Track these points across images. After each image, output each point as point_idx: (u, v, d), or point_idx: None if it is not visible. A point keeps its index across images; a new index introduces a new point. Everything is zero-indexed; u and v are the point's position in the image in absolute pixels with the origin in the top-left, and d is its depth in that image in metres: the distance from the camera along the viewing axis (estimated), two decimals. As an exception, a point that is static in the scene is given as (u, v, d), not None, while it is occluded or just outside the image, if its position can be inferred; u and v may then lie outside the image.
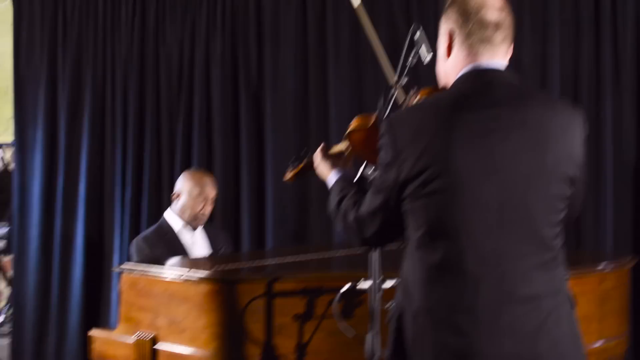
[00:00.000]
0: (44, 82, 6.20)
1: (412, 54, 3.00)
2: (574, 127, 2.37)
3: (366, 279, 3.10)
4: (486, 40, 2.36)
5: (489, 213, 2.23)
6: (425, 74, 5.13)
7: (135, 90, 6.09)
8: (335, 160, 2.90)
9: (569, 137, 2.34)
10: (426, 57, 3.00)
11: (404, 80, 2.99)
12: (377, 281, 3.03)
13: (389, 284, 3.13)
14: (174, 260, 4.55)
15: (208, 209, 4.96)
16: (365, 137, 2.82)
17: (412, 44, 3.01)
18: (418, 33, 3.00)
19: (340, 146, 2.96)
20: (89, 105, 6.12)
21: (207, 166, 5.82)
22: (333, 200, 2.64)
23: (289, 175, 3.37)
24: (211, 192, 4.97)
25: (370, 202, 2.42)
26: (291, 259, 4.36)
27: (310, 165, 3.25)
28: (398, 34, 5.74)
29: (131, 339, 3.82)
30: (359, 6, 3.20)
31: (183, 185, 4.97)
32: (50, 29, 6.24)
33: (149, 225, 5.76)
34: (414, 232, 2.32)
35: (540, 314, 2.25)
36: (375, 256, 3.02)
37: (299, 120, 5.96)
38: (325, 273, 3.80)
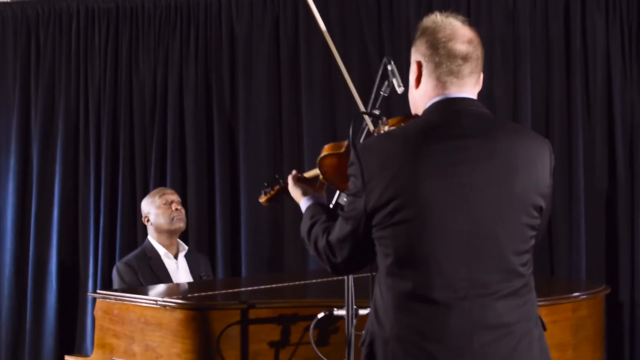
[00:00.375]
0: (17, 109, 6.21)
1: (384, 85, 3.05)
2: (541, 156, 2.39)
3: (342, 307, 3.12)
4: (454, 73, 2.39)
5: (457, 243, 2.25)
6: (397, 104, 5.24)
7: (109, 118, 6.10)
8: (307, 185, 2.93)
9: (538, 167, 2.36)
10: (398, 89, 3.05)
11: (376, 111, 3.03)
12: (352, 308, 3.06)
13: (364, 311, 3.16)
14: (154, 286, 4.56)
15: (180, 210, 5.06)
16: (337, 164, 2.82)
17: (385, 76, 3.06)
18: (389, 66, 3.05)
19: (312, 172, 2.98)
20: (62, 132, 6.13)
21: (181, 193, 5.84)
22: (304, 225, 2.67)
23: (263, 199, 3.40)
24: (171, 195, 5.10)
25: (339, 229, 2.44)
26: (266, 286, 4.38)
27: (283, 190, 3.29)
28: (370, 65, 5.81)
29: (106, 366, 3.84)
30: (325, 31, 3.24)
31: (145, 204, 5.12)
32: (22, 56, 6.26)
33: (122, 251, 5.79)
34: (382, 260, 2.34)
35: (512, 339, 2.27)
36: (350, 283, 3.05)
37: (272, 148, 5.99)
38: (300, 300, 3.80)
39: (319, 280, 4.69)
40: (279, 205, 3.44)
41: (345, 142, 2.81)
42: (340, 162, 2.80)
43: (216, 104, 6.02)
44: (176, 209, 5.02)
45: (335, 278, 4.40)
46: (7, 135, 6.25)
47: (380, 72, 3.05)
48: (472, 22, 2.53)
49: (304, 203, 2.82)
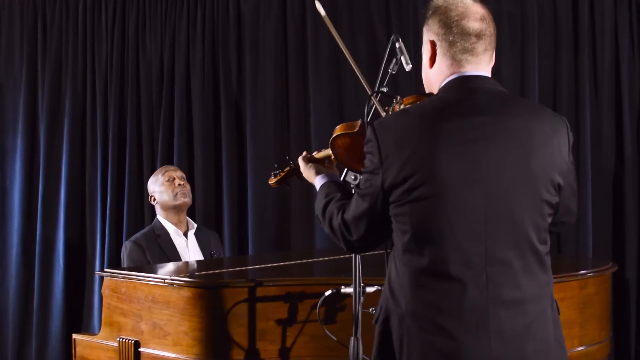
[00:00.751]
0: (24, 89, 6.22)
1: (392, 63, 3.05)
2: (558, 134, 2.40)
3: (349, 284, 3.13)
4: (468, 51, 2.40)
5: (474, 219, 2.27)
6: (405, 82, 5.23)
7: (116, 99, 6.11)
8: (319, 165, 2.93)
9: (554, 144, 2.37)
10: (406, 66, 3.04)
11: (385, 88, 3.03)
12: (360, 286, 3.06)
13: (371, 289, 3.17)
14: (161, 265, 4.57)
15: (184, 185, 5.05)
16: (350, 144, 2.83)
17: (393, 53, 3.05)
18: (397, 44, 3.04)
19: (323, 153, 2.99)
20: (69, 112, 6.14)
21: (188, 173, 5.85)
22: (319, 204, 2.67)
23: (272, 180, 3.40)
24: (174, 171, 5.11)
25: (355, 206, 2.44)
26: (273, 264, 4.39)
27: (293, 172, 3.29)
28: (378, 44, 5.80)
29: (114, 344, 3.84)
30: (325, 16, 3.23)
31: (150, 184, 5.14)
32: (30, 36, 6.26)
33: (129, 230, 5.80)
34: (399, 237, 2.35)
35: (527, 317, 2.29)
36: (358, 261, 3.06)
37: (279, 128, 6.00)
38: (307, 278, 3.80)
39: (326, 258, 4.70)
40: (288, 187, 3.44)
41: (358, 122, 2.82)
42: (353, 141, 2.82)
43: (223, 83, 6.01)
44: (179, 185, 5.01)
45: (342, 256, 4.44)
46: (14, 115, 6.27)
47: (388, 50, 3.05)
48: (480, -1, 2.52)
49: (318, 181, 2.83)
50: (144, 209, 5.99)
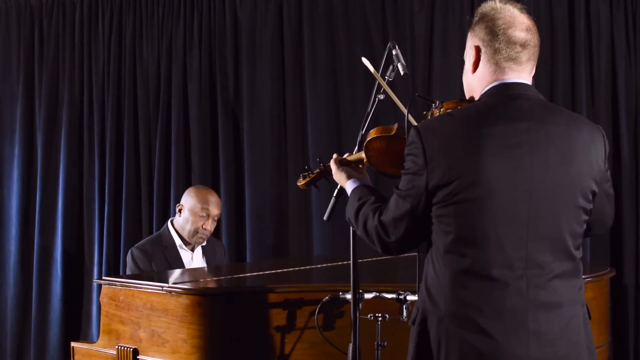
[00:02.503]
0: (21, 98, 6.23)
1: (389, 70, 3.07)
2: (595, 143, 2.44)
3: (347, 291, 3.13)
4: (513, 59, 2.44)
5: (517, 222, 2.31)
6: (401, 89, 5.24)
7: (113, 107, 6.11)
8: (351, 168, 2.94)
9: (592, 152, 2.42)
10: (402, 73, 3.05)
11: (380, 96, 3.05)
12: (358, 292, 3.06)
13: (369, 295, 3.18)
14: (159, 272, 4.56)
15: (210, 226, 4.87)
16: (385, 147, 2.83)
17: (389, 60, 3.07)
18: (394, 51, 3.05)
19: (355, 156, 2.99)
20: (66, 121, 6.14)
21: (185, 181, 5.86)
22: (351, 207, 2.68)
23: (302, 182, 3.37)
24: (214, 210, 4.89)
25: (396, 207, 2.45)
26: (271, 271, 4.39)
27: (323, 173, 3.28)
28: (374, 50, 5.81)
29: (112, 352, 3.84)
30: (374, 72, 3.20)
31: (187, 199, 4.92)
32: (27, 45, 6.26)
33: (127, 239, 5.79)
34: (441, 238, 2.37)
35: (562, 320, 2.34)
36: (355, 268, 3.06)
37: (277, 136, 6.00)
38: (306, 285, 3.80)
39: (324, 265, 4.70)
40: (317, 189, 3.43)
41: (395, 125, 2.83)
42: (388, 145, 2.82)
43: (220, 92, 6.02)
44: (205, 228, 4.85)
45: (340, 263, 4.44)
46: (11, 124, 6.27)
47: (384, 57, 3.06)
48: (477, 5, 2.54)
49: (349, 185, 2.83)
50: (141, 217, 5.99)
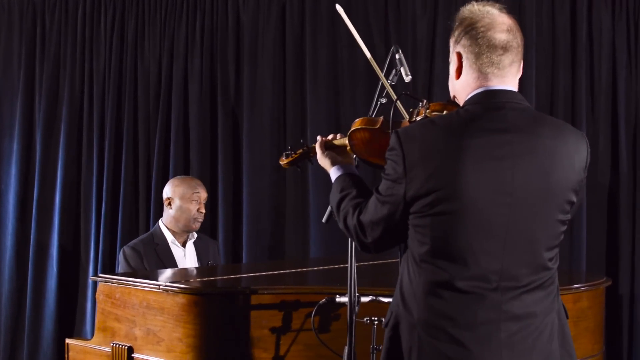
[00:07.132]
0: (21, 93, 6.22)
1: (392, 74, 3.06)
2: (579, 153, 2.41)
3: (344, 294, 3.13)
4: (495, 64, 2.38)
5: (494, 237, 2.28)
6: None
7: (113, 105, 6.11)
8: (336, 154, 2.90)
9: (574, 162, 2.38)
10: (406, 78, 3.05)
11: (383, 99, 3.04)
12: (355, 295, 3.06)
13: (366, 298, 3.18)
14: (156, 271, 4.56)
15: (203, 208, 4.94)
16: (369, 139, 2.79)
17: (392, 64, 3.06)
18: (397, 55, 3.05)
19: (342, 140, 2.93)
20: (66, 118, 6.14)
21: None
22: (334, 197, 2.65)
23: (284, 161, 3.34)
24: (203, 192, 4.97)
25: (374, 211, 2.42)
26: (268, 272, 4.39)
27: (306, 155, 3.25)
28: (376, 55, 5.80)
29: (107, 349, 3.84)
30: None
31: (174, 190, 4.95)
32: (28, 41, 6.26)
33: (123, 237, 5.79)
34: (417, 247, 2.35)
35: (535, 330, 2.32)
36: (352, 271, 3.06)
37: (276, 137, 6.00)
38: (302, 286, 3.81)
39: (321, 267, 4.70)
40: (299, 169, 3.40)
41: (380, 119, 2.77)
42: (372, 137, 2.78)
43: (221, 92, 6.02)
44: (200, 211, 4.92)
45: (337, 265, 4.44)
46: (10, 120, 6.27)
47: (387, 61, 3.06)
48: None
49: (333, 173, 2.79)
50: (138, 215, 5.98)
